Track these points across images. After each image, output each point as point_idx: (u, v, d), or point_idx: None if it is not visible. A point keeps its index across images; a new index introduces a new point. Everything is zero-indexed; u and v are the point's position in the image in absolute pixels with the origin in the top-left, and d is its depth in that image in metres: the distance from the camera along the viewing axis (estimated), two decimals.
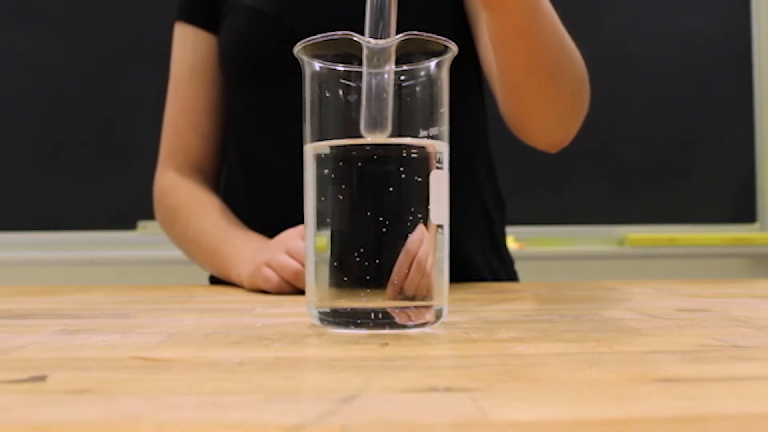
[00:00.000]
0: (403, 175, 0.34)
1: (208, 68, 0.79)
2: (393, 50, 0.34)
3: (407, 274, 0.34)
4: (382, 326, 0.34)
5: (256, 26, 0.73)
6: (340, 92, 0.35)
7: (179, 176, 0.79)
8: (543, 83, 0.63)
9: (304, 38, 0.35)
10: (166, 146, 0.81)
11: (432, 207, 0.34)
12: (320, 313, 0.35)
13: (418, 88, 0.35)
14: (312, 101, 0.36)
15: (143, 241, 1.48)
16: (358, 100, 0.34)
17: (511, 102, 0.66)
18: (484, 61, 0.73)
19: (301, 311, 0.43)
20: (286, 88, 0.67)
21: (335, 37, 0.34)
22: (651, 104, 1.57)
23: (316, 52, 0.35)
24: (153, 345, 0.30)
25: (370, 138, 0.34)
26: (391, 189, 0.33)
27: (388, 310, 0.34)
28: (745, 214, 1.60)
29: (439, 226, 0.35)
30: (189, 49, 0.79)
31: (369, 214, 0.33)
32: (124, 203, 1.49)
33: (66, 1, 1.51)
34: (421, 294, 0.34)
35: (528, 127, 0.68)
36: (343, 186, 0.34)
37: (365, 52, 0.34)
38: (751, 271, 1.60)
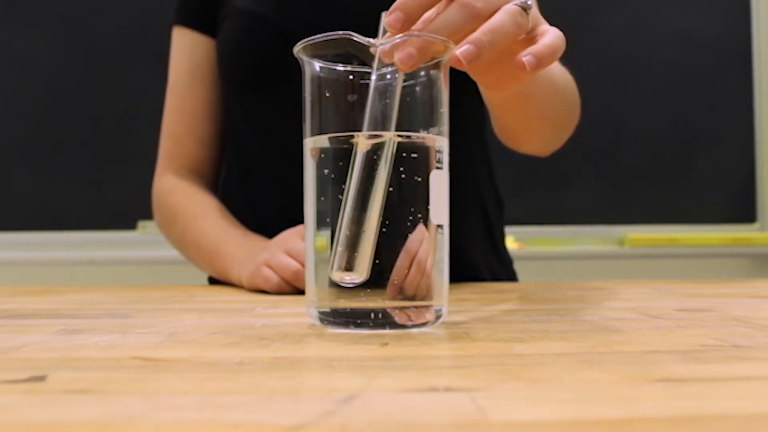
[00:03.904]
0: (403, 175, 0.34)
1: (205, 72, 0.79)
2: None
3: (407, 274, 0.34)
4: (382, 326, 0.34)
5: (253, 29, 0.73)
6: (340, 92, 0.35)
7: (177, 179, 0.79)
8: (537, 127, 0.66)
9: (301, 41, 0.35)
10: (164, 150, 0.81)
11: (432, 207, 0.34)
12: (320, 313, 0.35)
13: (417, 88, 0.35)
14: (312, 101, 0.36)
15: (143, 241, 1.48)
16: (359, 101, 0.34)
17: (503, 134, 0.70)
18: None
19: (301, 311, 0.43)
20: (283, 90, 0.67)
21: (335, 37, 0.34)
22: (651, 104, 1.57)
23: (316, 52, 0.35)
24: (152, 345, 0.30)
25: (337, 279, 0.33)
26: (391, 189, 0.33)
27: (388, 310, 0.34)
28: (745, 214, 1.60)
29: (439, 226, 0.35)
30: (187, 52, 0.80)
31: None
32: (124, 203, 1.48)
33: (66, 1, 1.51)
34: (421, 294, 0.34)
35: (520, 148, 0.73)
36: (343, 186, 0.34)
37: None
38: (751, 271, 1.59)
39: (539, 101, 0.60)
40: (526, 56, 0.37)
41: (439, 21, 0.36)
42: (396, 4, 0.35)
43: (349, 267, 0.32)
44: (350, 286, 0.33)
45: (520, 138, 0.69)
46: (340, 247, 0.32)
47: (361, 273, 0.32)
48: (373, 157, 0.33)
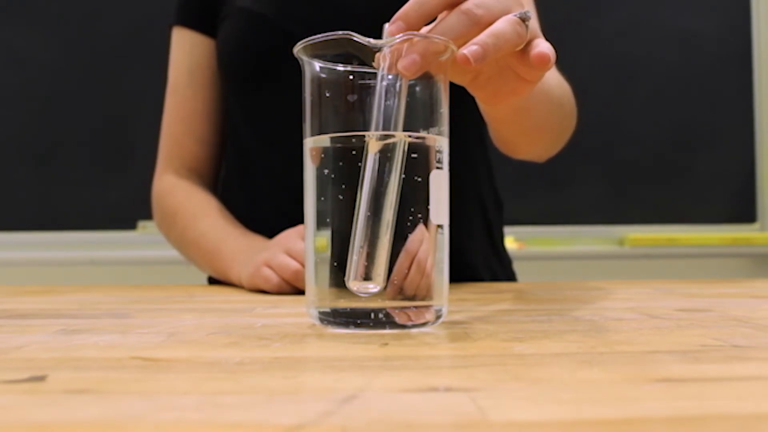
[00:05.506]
0: (403, 175, 0.34)
1: (205, 72, 0.79)
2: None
3: (407, 274, 0.34)
4: (382, 326, 0.34)
5: (254, 29, 0.74)
6: (340, 92, 0.35)
7: (177, 179, 0.79)
8: (534, 137, 0.67)
9: (301, 40, 0.35)
10: (164, 150, 0.81)
11: (432, 207, 0.34)
12: (320, 313, 0.35)
13: (417, 88, 0.35)
14: (312, 101, 0.36)
15: (143, 241, 1.48)
16: (358, 100, 0.34)
17: (500, 144, 0.71)
18: None
19: (301, 311, 0.43)
20: (283, 90, 0.67)
21: (335, 37, 0.34)
22: (651, 104, 1.57)
23: (316, 53, 0.35)
24: (152, 345, 0.30)
25: (354, 289, 0.32)
26: None
27: (388, 310, 0.34)
28: (745, 214, 1.60)
29: (439, 226, 0.35)
30: (187, 53, 0.80)
31: (369, 214, 0.33)
32: (124, 203, 1.48)
33: (66, 1, 1.51)
34: (421, 294, 0.34)
35: (517, 155, 0.73)
36: (343, 186, 0.34)
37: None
38: (751, 271, 1.59)
39: (536, 114, 0.60)
40: (548, 50, 0.38)
41: (440, 28, 0.36)
42: (398, 14, 0.36)
43: (367, 276, 0.32)
44: (367, 295, 0.33)
45: (517, 147, 0.70)
46: (356, 256, 0.32)
47: (378, 282, 0.32)
48: (384, 160, 0.33)
